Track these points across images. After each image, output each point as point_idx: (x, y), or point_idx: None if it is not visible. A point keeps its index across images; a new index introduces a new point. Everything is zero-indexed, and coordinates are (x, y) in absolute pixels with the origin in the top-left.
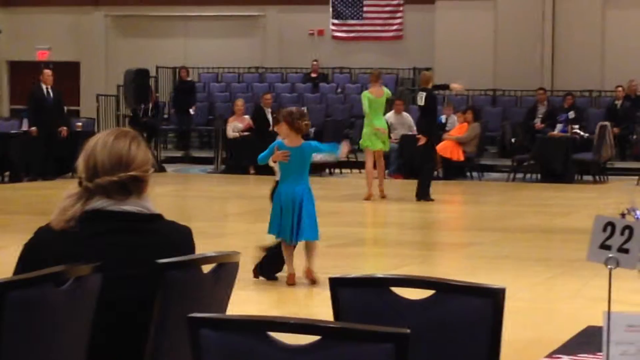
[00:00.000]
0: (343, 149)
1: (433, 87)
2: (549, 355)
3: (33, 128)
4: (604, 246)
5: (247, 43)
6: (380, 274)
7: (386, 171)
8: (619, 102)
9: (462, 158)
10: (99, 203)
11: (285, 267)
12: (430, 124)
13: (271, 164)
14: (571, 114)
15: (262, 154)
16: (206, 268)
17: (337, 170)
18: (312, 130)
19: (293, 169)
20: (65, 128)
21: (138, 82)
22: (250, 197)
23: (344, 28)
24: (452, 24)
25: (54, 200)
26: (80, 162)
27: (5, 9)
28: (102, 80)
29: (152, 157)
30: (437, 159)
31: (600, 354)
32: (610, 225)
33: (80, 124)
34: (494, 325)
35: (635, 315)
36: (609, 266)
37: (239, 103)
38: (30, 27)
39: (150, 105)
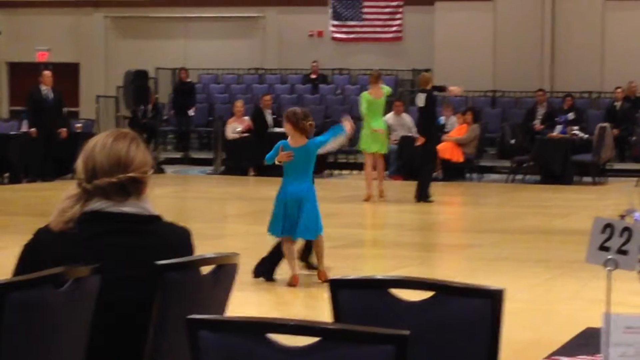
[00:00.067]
0: (346, 126)
1: (432, 88)
2: (548, 357)
3: (32, 129)
4: (603, 248)
5: (246, 44)
6: (379, 275)
7: (386, 172)
8: (618, 104)
9: (461, 159)
10: (98, 204)
11: (285, 267)
12: (430, 125)
13: (277, 163)
14: (571, 115)
15: (268, 154)
16: (205, 269)
17: (336, 172)
18: None
19: (298, 169)
20: (64, 129)
21: (137, 83)
22: (249, 199)
23: (344, 29)
24: (451, 25)
25: (53, 201)
26: (80, 164)
27: (5, 10)
28: (102, 81)
29: (151, 158)
30: (436, 160)
31: (600, 355)
32: (609, 226)
33: (79, 125)
34: (493, 327)
35: (634, 316)
36: (608, 268)
37: (239, 104)
38: (30, 28)
39: (150, 106)
